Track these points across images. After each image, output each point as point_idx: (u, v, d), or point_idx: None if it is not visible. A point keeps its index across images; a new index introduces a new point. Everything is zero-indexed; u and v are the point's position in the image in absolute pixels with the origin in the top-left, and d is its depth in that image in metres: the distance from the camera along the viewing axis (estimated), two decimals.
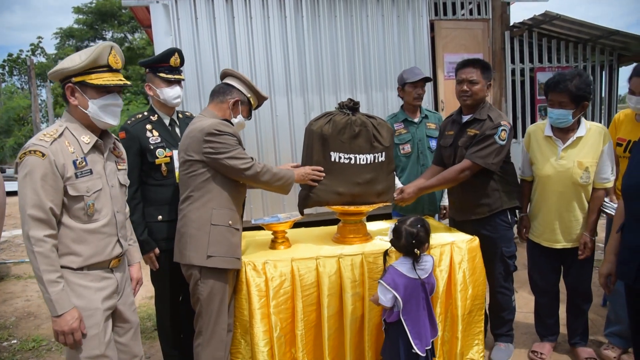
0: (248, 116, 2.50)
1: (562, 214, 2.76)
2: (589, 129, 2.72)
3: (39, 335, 3.75)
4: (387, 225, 2.85)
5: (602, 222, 3.88)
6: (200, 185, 2.25)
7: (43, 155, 1.73)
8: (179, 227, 2.31)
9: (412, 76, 3.30)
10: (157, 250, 2.56)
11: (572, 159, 2.70)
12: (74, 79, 1.85)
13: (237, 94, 2.40)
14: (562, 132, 2.75)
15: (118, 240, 1.99)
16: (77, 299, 1.81)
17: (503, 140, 2.67)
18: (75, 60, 1.84)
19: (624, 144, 2.91)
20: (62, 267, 1.79)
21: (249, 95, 2.45)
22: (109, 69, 1.89)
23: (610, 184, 2.70)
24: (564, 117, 2.66)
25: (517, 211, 2.96)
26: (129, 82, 1.97)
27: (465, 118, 2.86)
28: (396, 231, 2.29)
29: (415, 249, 2.23)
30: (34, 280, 5.23)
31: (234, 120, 2.40)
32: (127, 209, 2.20)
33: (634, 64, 2.91)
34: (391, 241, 2.33)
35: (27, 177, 1.72)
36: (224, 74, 2.50)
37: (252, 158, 2.30)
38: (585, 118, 2.78)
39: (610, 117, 6.90)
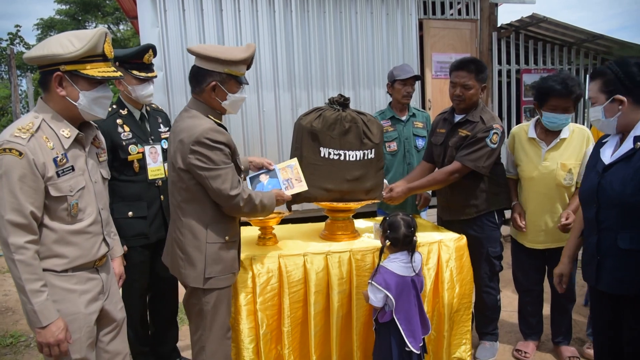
0: (240, 86, 2.10)
1: (545, 215, 2.78)
2: (572, 131, 2.75)
3: (17, 331, 3.65)
4: (372, 223, 2.84)
5: None
6: (191, 197, 2.01)
7: (20, 154, 1.56)
8: (173, 237, 2.10)
9: (403, 73, 3.29)
10: (125, 248, 2.48)
11: (556, 161, 2.72)
12: (65, 67, 1.65)
13: (211, 77, 2.01)
14: (547, 134, 2.77)
15: (104, 239, 1.86)
16: (58, 303, 1.67)
17: (494, 144, 2.65)
18: (67, 46, 1.63)
19: None
20: (45, 270, 1.65)
21: (225, 71, 2.01)
22: (104, 58, 1.72)
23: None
24: (566, 121, 2.69)
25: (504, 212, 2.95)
26: (121, 74, 1.82)
27: (458, 118, 2.83)
28: (392, 224, 2.26)
29: (414, 238, 2.24)
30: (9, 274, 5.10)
31: (226, 103, 2.07)
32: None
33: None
34: (387, 235, 2.26)
35: (3, 178, 1.55)
36: (189, 52, 2.09)
37: (240, 181, 2.05)
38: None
39: None
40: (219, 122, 2.07)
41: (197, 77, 2.05)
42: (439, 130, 2.93)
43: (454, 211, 2.90)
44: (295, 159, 2.46)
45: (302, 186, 2.34)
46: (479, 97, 2.76)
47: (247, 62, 2.08)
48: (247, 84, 2.15)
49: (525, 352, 3.00)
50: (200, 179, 1.95)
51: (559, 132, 2.74)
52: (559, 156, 2.72)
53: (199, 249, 2.02)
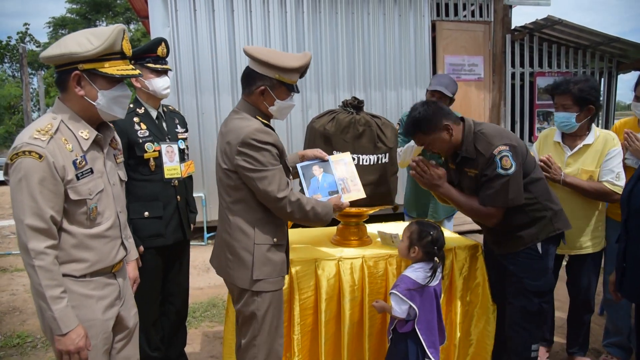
0: (290, 94, 2.05)
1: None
2: (598, 137, 2.65)
3: (24, 332, 3.64)
4: (397, 227, 2.75)
5: None
6: (240, 198, 1.98)
7: (40, 156, 1.52)
8: (222, 238, 2.06)
9: (433, 84, 3.16)
10: (141, 248, 2.45)
11: (577, 167, 2.65)
12: (83, 66, 1.60)
13: (262, 80, 1.97)
14: (571, 138, 2.69)
15: (122, 243, 1.82)
16: (75, 309, 1.62)
17: (509, 169, 2.18)
18: (85, 44, 1.58)
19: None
20: (63, 275, 1.61)
21: (276, 77, 1.97)
22: (122, 56, 1.67)
23: (615, 188, 2.56)
24: (567, 120, 2.61)
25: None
26: (139, 72, 1.78)
27: (459, 155, 2.36)
28: (432, 235, 2.18)
29: (436, 257, 2.18)
30: (20, 273, 5.10)
31: (273, 109, 2.02)
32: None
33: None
34: (422, 245, 2.18)
35: (22, 182, 1.51)
36: (245, 53, 2.07)
37: (288, 184, 1.98)
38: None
39: (608, 123, 6.90)
40: (266, 122, 2.03)
41: (248, 79, 2.02)
42: (450, 166, 2.48)
43: (502, 245, 2.44)
44: (349, 153, 2.35)
45: (359, 193, 2.23)
46: (450, 137, 2.29)
47: (301, 71, 2.04)
48: (298, 92, 2.11)
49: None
50: (247, 180, 1.93)
51: (583, 137, 2.66)
52: (582, 162, 2.65)
53: (247, 250, 1.98)
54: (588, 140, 2.64)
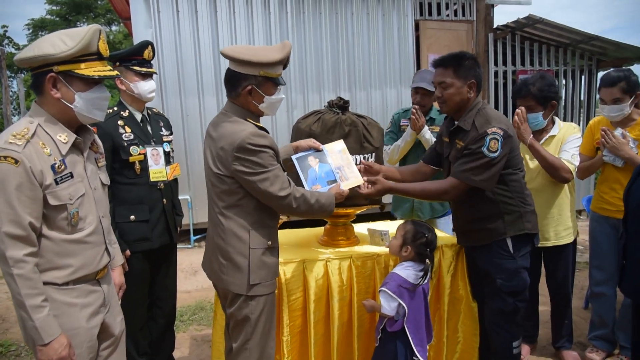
0: (277, 88, 2.02)
1: (541, 213, 2.74)
2: (562, 128, 2.80)
3: (7, 340, 3.57)
4: (385, 226, 2.76)
5: (584, 224, 3.91)
6: (234, 202, 1.95)
7: (16, 161, 1.47)
8: (215, 243, 2.02)
9: (415, 80, 3.19)
10: (127, 252, 2.42)
11: None
12: (58, 68, 1.56)
13: (247, 80, 1.93)
14: (536, 133, 2.80)
15: (106, 249, 1.78)
16: (58, 318, 1.59)
17: (494, 152, 2.15)
18: (59, 45, 1.54)
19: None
20: (45, 283, 1.57)
21: (260, 73, 1.92)
22: (99, 57, 1.63)
23: (569, 166, 2.65)
24: (536, 120, 2.73)
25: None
26: (118, 73, 1.73)
27: (454, 125, 2.39)
28: (425, 236, 2.21)
29: (427, 259, 2.20)
30: (2, 280, 5.00)
31: (263, 106, 1.99)
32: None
33: (605, 72, 2.94)
34: (414, 245, 2.20)
35: None
36: (222, 55, 2.02)
37: (289, 181, 1.97)
38: (563, 120, 2.83)
39: (589, 120, 7.00)
40: (259, 125, 2.00)
41: (232, 81, 1.97)
42: (444, 139, 2.49)
43: (467, 236, 2.46)
44: (342, 141, 2.35)
45: (357, 179, 2.24)
46: (467, 97, 2.28)
47: (283, 62, 1.99)
48: (285, 84, 2.08)
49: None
50: (247, 184, 1.90)
51: (549, 129, 2.80)
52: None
53: (242, 255, 1.95)
54: (553, 131, 2.79)
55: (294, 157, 2.25)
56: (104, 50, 1.64)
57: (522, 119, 2.67)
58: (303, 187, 2.16)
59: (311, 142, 2.31)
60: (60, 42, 1.55)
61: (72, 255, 1.63)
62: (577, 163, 2.71)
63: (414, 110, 3.04)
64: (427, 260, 2.20)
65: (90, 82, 1.62)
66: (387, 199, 3.14)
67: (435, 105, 3.06)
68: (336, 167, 2.27)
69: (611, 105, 2.69)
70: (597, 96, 3.05)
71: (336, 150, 2.31)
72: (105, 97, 1.69)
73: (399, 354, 2.14)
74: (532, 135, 2.68)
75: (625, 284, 1.97)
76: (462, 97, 2.28)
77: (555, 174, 2.67)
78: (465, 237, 2.48)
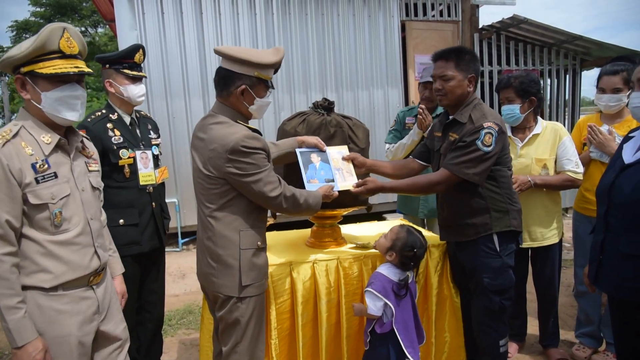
0: (267, 90, 2.04)
1: (525, 212, 2.76)
2: (545, 127, 2.81)
3: None
4: (371, 228, 2.76)
5: (567, 222, 3.96)
6: (224, 204, 1.94)
7: None
8: (205, 246, 2.00)
9: (424, 76, 3.18)
10: None
11: (530, 156, 2.77)
12: (23, 69, 1.59)
13: (241, 80, 1.93)
14: (520, 131, 2.82)
15: (95, 252, 1.74)
16: (47, 324, 1.58)
17: (488, 146, 2.18)
18: (21, 46, 1.56)
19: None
20: (31, 287, 1.56)
21: (255, 74, 1.94)
22: (62, 54, 1.61)
23: (577, 176, 2.71)
24: (511, 112, 2.74)
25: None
26: (89, 70, 1.71)
27: (449, 119, 2.44)
28: (412, 246, 2.20)
29: (408, 270, 2.23)
30: None
31: (253, 108, 1.99)
32: (104, 215, 1.96)
33: (601, 67, 2.94)
34: (400, 252, 2.20)
35: None
36: (216, 53, 2.01)
37: (279, 180, 1.98)
38: (549, 119, 2.84)
39: (574, 118, 7.10)
40: (252, 127, 1.99)
41: (226, 80, 1.95)
42: (435, 134, 2.53)
43: (452, 231, 2.45)
44: (346, 146, 2.43)
45: (353, 182, 2.33)
46: (467, 90, 2.32)
47: (276, 66, 2.02)
48: (274, 88, 2.09)
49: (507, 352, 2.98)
50: (239, 185, 1.90)
51: (532, 128, 2.80)
52: (534, 151, 2.77)
53: (233, 256, 1.94)
54: (536, 130, 2.80)
55: (298, 150, 2.30)
56: (67, 47, 1.63)
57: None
58: (302, 177, 2.23)
59: (318, 141, 2.35)
60: (24, 44, 1.58)
61: (58, 257, 1.62)
62: (582, 170, 2.74)
63: (421, 110, 3.06)
64: (408, 273, 2.22)
65: (56, 81, 1.62)
66: (374, 199, 3.15)
67: None
68: (336, 168, 2.33)
69: (610, 95, 2.69)
70: (580, 95, 3.09)
71: (339, 154, 2.38)
72: (75, 96, 1.67)
73: (391, 355, 2.13)
74: (530, 177, 2.70)
75: (601, 279, 1.94)
76: (462, 91, 2.32)
77: (570, 188, 2.78)
78: (451, 232, 2.45)
